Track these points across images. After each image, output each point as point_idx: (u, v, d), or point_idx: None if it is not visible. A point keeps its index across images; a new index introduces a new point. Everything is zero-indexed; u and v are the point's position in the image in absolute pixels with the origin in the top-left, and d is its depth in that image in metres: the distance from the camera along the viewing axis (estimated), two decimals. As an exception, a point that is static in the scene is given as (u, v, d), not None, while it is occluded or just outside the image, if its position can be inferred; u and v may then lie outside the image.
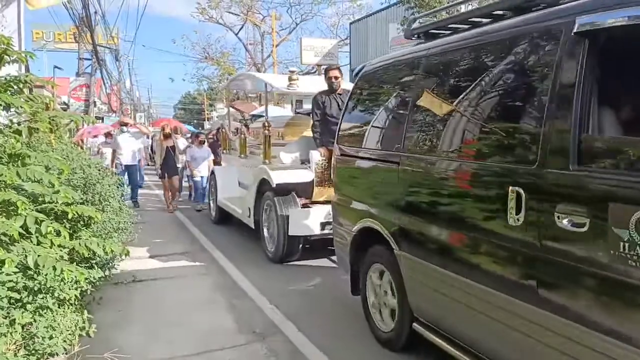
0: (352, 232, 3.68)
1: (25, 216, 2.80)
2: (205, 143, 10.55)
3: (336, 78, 5.74)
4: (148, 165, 15.93)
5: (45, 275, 2.92)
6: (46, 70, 21.82)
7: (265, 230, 6.13)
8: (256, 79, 8.29)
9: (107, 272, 3.97)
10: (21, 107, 3.26)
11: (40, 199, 3.24)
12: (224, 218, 8.02)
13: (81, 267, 3.13)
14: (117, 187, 5.08)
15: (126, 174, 9.70)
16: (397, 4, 14.45)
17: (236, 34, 21.70)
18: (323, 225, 5.36)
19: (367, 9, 20.93)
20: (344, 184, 4.01)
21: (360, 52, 16.10)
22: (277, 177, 5.59)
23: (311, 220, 5.44)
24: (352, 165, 3.84)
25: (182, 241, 7.16)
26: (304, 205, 5.59)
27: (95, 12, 15.83)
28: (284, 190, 5.67)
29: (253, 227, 6.43)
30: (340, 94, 5.67)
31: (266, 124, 6.42)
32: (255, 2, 21.36)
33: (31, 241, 2.88)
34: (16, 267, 2.71)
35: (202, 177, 9.82)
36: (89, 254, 3.35)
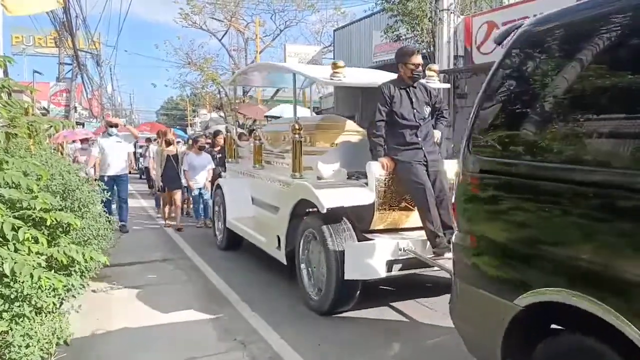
0: (510, 307, 2.13)
1: (2, 222, 2.75)
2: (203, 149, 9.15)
3: (418, 66, 4.26)
4: (130, 172, 15.24)
5: (22, 283, 2.88)
6: (26, 75, 21.52)
7: (304, 269, 4.58)
8: (281, 70, 6.42)
9: (86, 280, 3.92)
10: (-1, 112, 3.21)
11: (17, 205, 3.19)
12: (235, 243, 6.57)
13: (59, 274, 3.09)
14: (103, 207, 4.91)
15: (114, 185, 7.73)
16: (380, 12, 14.59)
17: (220, 40, 21.65)
18: (390, 265, 3.96)
19: (351, 16, 21.07)
20: (486, 224, 2.40)
21: (344, 58, 16.13)
22: (328, 199, 4.01)
23: (375, 257, 3.92)
24: (511, 192, 2.28)
25: (161, 249, 7.09)
26: (363, 237, 4.18)
27: (77, 17, 15.67)
28: (334, 216, 4.16)
29: (285, 262, 4.87)
30: (415, 88, 4.33)
31: (297, 126, 4.87)
32: (239, 8, 21.36)
33: (8, 248, 2.83)
34: (-8, 274, 2.66)
35: (199, 188, 8.46)
36: (67, 262, 3.30)
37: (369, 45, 15.92)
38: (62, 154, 9.06)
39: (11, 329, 2.90)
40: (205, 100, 27.63)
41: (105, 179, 7.41)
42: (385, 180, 4.20)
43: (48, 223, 3.24)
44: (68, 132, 13.02)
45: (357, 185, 4.32)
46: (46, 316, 3.25)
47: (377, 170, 4.19)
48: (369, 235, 4.20)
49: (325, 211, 3.98)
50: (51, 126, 5.54)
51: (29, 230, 2.92)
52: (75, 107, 19.72)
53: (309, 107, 12.80)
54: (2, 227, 2.74)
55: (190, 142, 13.11)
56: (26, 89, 6.25)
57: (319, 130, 5.42)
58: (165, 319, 4.24)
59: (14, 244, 2.88)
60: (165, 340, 3.81)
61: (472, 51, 11.20)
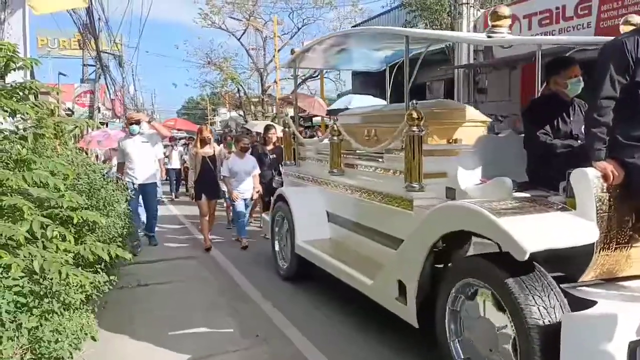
0: None
1: (31, 221, 2.83)
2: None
3: None
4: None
5: (51, 279, 2.95)
6: (51, 76, 21.98)
7: (457, 345, 2.88)
8: (388, 36, 4.64)
9: (112, 277, 4.00)
10: (27, 113, 3.30)
11: (45, 204, 3.27)
12: (305, 272, 4.96)
13: (86, 271, 3.16)
14: (128, 220, 4.87)
15: (139, 197, 6.70)
16: (398, 8, 14.50)
17: (238, 39, 21.75)
18: (634, 349, 2.24)
19: (369, 13, 20.96)
20: None
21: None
22: (530, 237, 2.35)
23: (612, 338, 2.23)
24: None
25: (184, 246, 7.18)
26: (576, 298, 2.56)
27: (99, 19, 15.95)
28: (524, 262, 2.38)
29: (415, 324, 3.14)
30: None
31: (415, 115, 3.44)
32: (257, 7, 21.45)
33: (37, 246, 2.91)
34: (22, 271, 2.74)
35: (244, 200, 6.93)
36: (94, 259, 3.38)
37: (387, 41, 15.83)
38: (86, 153, 9.11)
39: (41, 325, 2.97)
40: (225, 100, 27.83)
41: (129, 187, 6.10)
42: (609, 200, 2.54)
43: (75, 221, 3.31)
44: (102, 133, 11.26)
45: (554, 208, 2.67)
46: (74, 312, 3.32)
47: (596, 182, 2.52)
48: (579, 294, 2.59)
49: (526, 257, 2.29)
50: (76, 127, 5.67)
51: (57, 228, 2.99)
52: (99, 108, 20.08)
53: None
54: (31, 225, 2.82)
55: (224, 141, 11.44)
56: (52, 91, 6.40)
57: (432, 121, 3.88)
58: (189, 314, 4.30)
59: (43, 241, 2.96)
60: (188, 336, 3.87)
61: (492, 45, 11.04)
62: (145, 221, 7.01)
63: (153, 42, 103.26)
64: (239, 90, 22.41)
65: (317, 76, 19.02)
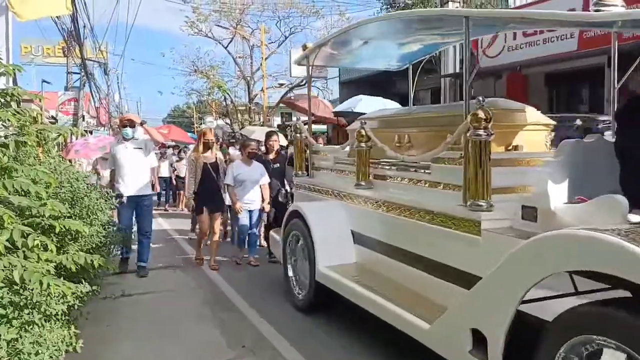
0: None
1: (12, 230, 2.77)
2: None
3: None
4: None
5: (32, 290, 2.89)
6: (34, 84, 21.68)
7: None
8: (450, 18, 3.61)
9: (95, 287, 3.93)
10: (8, 120, 3.24)
11: (27, 212, 3.21)
12: (327, 303, 4.27)
13: (68, 281, 3.10)
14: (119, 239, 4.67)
15: (133, 212, 5.82)
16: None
17: (225, 47, 21.73)
18: None
19: (356, 21, 21.07)
20: None
21: (349, 64, 16.19)
22: None
23: None
24: None
25: (169, 254, 7.10)
26: None
27: (84, 26, 15.83)
28: None
29: None
30: None
31: (482, 115, 2.77)
32: (244, 15, 21.47)
33: (17, 255, 2.84)
34: (2, 282, 2.68)
35: (251, 210, 6.20)
36: (76, 269, 3.31)
37: (374, 50, 15.94)
38: (70, 161, 8.95)
39: (21, 336, 2.90)
40: (211, 108, 27.74)
41: (120, 200, 5.46)
42: None
43: (57, 230, 3.25)
44: (81, 144, 10.82)
45: None
46: (55, 323, 3.25)
47: None
48: None
49: None
50: (60, 134, 5.58)
51: (38, 237, 2.93)
52: (83, 116, 19.87)
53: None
54: (11, 234, 2.76)
55: (227, 147, 10.54)
56: (35, 98, 6.31)
57: (499, 124, 3.17)
58: (174, 324, 4.23)
59: (24, 251, 2.89)
60: (175, 347, 3.80)
61: (478, 55, 11.18)
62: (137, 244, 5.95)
63: (139, 50, 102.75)
64: (225, 98, 22.34)
65: (304, 84, 19.05)
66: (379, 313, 3.33)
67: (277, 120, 25.84)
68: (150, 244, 6.05)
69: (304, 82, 18.20)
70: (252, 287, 5.31)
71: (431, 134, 3.52)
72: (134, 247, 5.92)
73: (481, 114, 2.77)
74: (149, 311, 4.64)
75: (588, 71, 8.96)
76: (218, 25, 21.23)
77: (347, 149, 4.39)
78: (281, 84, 21.72)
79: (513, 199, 2.85)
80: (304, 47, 5.07)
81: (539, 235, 2.20)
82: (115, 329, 4.15)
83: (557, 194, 2.58)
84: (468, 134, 2.84)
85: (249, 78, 21.92)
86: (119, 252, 5.53)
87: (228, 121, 22.85)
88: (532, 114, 3.46)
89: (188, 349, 3.76)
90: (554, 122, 3.54)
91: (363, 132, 3.97)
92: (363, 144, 4.00)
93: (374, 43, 4.47)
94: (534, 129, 3.41)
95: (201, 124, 39.82)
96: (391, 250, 3.65)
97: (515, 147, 3.30)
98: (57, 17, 12.15)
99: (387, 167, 3.90)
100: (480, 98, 2.79)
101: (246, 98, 22.56)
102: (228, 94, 21.83)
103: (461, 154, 2.99)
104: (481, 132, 2.78)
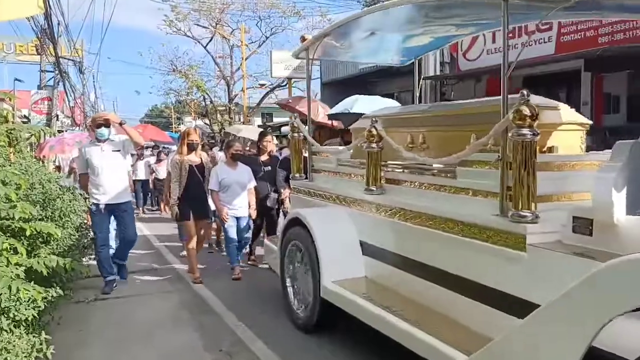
0: None
1: (-22, 233, 2.66)
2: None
3: None
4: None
5: (0, 295, 2.78)
6: (6, 83, 21.20)
7: None
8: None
9: (67, 291, 3.81)
10: (-24, 119, 3.12)
11: (-5, 215, 3.09)
12: (331, 322, 3.85)
13: (39, 285, 3.00)
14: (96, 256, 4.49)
15: (109, 222, 5.32)
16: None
17: (205, 47, 21.52)
18: None
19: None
20: None
21: (330, 65, 16.20)
22: None
23: None
24: None
25: (146, 258, 6.96)
26: None
27: (59, 24, 15.48)
28: None
29: None
30: None
31: (526, 112, 2.42)
32: (224, 15, 21.29)
33: (-16, 259, 2.73)
34: (-32, 287, 2.57)
35: (239, 218, 5.71)
36: (48, 272, 3.21)
37: (354, 52, 15.97)
38: (43, 162, 8.71)
39: (-12, 344, 2.79)
40: (190, 108, 27.45)
41: (95, 209, 5.07)
42: None
43: (27, 233, 3.17)
44: (56, 140, 10.54)
45: None
46: (25, 329, 3.14)
47: None
48: None
49: None
50: (32, 134, 5.41)
51: (7, 240, 2.83)
52: (57, 115, 19.45)
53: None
54: (-22, 237, 2.65)
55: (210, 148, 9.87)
56: (6, 97, 6.13)
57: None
58: (149, 330, 4.13)
59: (-9, 255, 2.78)
60: (150, 352, 3.70)
61: (458, 58, 11.28)
62: (115, 247, 5.70)
63: (116, 49, 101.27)
64: (204, 98, 22.13)
65: (285, 85, 19.00)
66: (402, 339, 2.88)
67: (257, 121, 25.71)
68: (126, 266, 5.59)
69: (285, 82, 18.16)
70: (238, 296, 5.07)
71: (452, 133, 3.21)
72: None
73: (526, 110, 2.39)
74: (123, 315, 4.52)
75: (565, 74, 9.11)
76: (197, 25, 21.04)
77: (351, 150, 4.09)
78: (262, 85, 21.60)
79: (558, 208, 2.53)
80: (303, 39, 4.76)
81: (633, 255, 1.74)
82: (88, 333, 4.04)
83: (619, 204, 2.21)
84: (510, 134, 2.47)
85: (228, 78, 21.76)
86: (103, 276, 5.19)
87: (207, 121, 22.65)
88: (567, 112, 3.09)
89: (163, 354, 3.67)
90: (589, 122, 3.19)
91: (374, 132, 3.52)
92: (374, 145, 3.55)
93: (381, 35, 4.07)
94: (569, 129, 3.04)
95: (179, 124, 39.41)
96: (408, 263, 3.24)
97: (550, 149, 2.95)
98: (30, 17, 11.85)
99: (402, 171, 3.49)
100: (525, 92, 2.42)
101: (226, 98, 22.40)
102: (207, 94, 21.65)
103: (498, 156, 2.63)
104: (526, 131, 2.40)
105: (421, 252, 3.13)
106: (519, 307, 2.31)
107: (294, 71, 14.72)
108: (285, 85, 18.54)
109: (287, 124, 4.88)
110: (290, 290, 4.25)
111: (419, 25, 3.88)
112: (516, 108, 2.42)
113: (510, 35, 10.03)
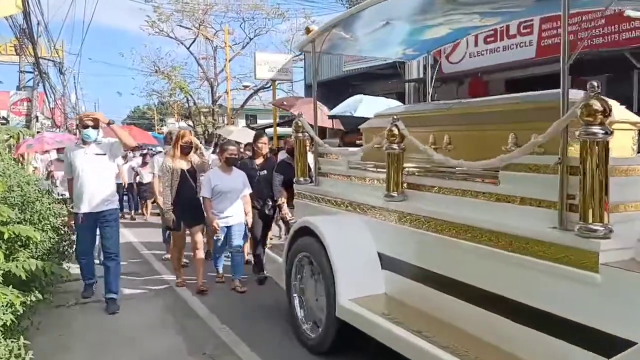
0: None
1: (-46, 236, 2.60)
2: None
3: None
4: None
5: (-24, 300, 2.72)
6: (-16, 83, 20.76)
7: None
8: None
9: (47, 295, 3.74)
10: (-48, 119, 3.05)
11: (-28, 217, 3.03)
12: (345, 345, 3.43)
13: (18, 290, 2.94)
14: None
15: (92, 233, 4.88)
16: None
17: (188, 48, 21.40)
18: None
19: (321, 25, 21.12)
20: None
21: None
22: None
23: None
24: None
25: (130, 261, 6.87)
26: None
27: (38, 23, 15.24)
28: None
29: None
30: None
31: (600, 106, 2.05)
32: (208, 16, 21.20)
33: (-40, 263, 2.67)
34: (-57, 292, 2.50)
35: (231, 226, 5.24)
36: (27, 276, 3.15)
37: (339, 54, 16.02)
38: (22, 164, 8.50)
39: (-36, 350, 2.73)
40: (173, 109, 27.24)
41: (81, 217, 4.65)
42: None
43: (6, 237, 3.12)
44: (35, 139, 10.33)
45: None
46: (3, 334, 3.08)
47: None
48: None
49: None
50: (10, 136, 5.30)
51: (-17, 244, 2.77)
52: (37, 117, 19.12)
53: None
54: (-46, 241, 2.59)
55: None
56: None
57: None
58: (132, 333, 4.07)
59: (-32, 259, 2.72)
60: (133, 355, 3.65)
61: (442, 61, 11.38)
62: (100, 263, 5.23)
63: (97, 50, 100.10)
64: (188, 100, 21.99)
65: (269, 87, 18.95)
66: None
67: (242, 123, 25.63)
68: (119, 270, 4.97)
69: (269, 84, 18.08)
70: (237, 312, 4.65)
71: (483, 133, 2.93)
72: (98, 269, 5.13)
73: (597, 105, 2.04)
74: (104, 319, 4.45)
75: (545, 78, 9.25)
76: (180, 26, 20.92)
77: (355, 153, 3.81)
78: (246, 86, 21.54)
79: (629, 219, 2.20)
80: (308, 30, 4.41)
81: None
82: (70, 338, 3.97)
83: None
84: (577, 133, 2.11)
85: (212, 79, 21.65)
86: (83, 278, 4.98)
87: (191, 123, 22.50)
88: (619, 111, 2.69)
89: (146, 357, 3.62)
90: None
91: (396, 131, 3.15)
92: (395, 146, 3.18)
93: (394, 25, 3.69)
94: (621, 128, 2.64)
95: (162, 125, 39.08)
96: (438, 280, 2.87)
97: None
98: (8, 17, 11.64)
99: (426, 175, 3.14)
100: (595, 83, 2.05)
101: (209, 100, 22.28)
102: (190, 95, 21.50)
103: (559, 159, 2.26)
104: (596, 129, 2.04)
105: (455, 268, 2.77)
106: (591, 336, 2.04)
107: (278, 73, 14.71)
108: (269, 87, 18.51)
109: (271, 126, 4.65)
110: (297, 307, 3.84)
111: (440, 13, 3.49)
112: (585, 102, 2.06)
113: (492, 38, 10.13)
